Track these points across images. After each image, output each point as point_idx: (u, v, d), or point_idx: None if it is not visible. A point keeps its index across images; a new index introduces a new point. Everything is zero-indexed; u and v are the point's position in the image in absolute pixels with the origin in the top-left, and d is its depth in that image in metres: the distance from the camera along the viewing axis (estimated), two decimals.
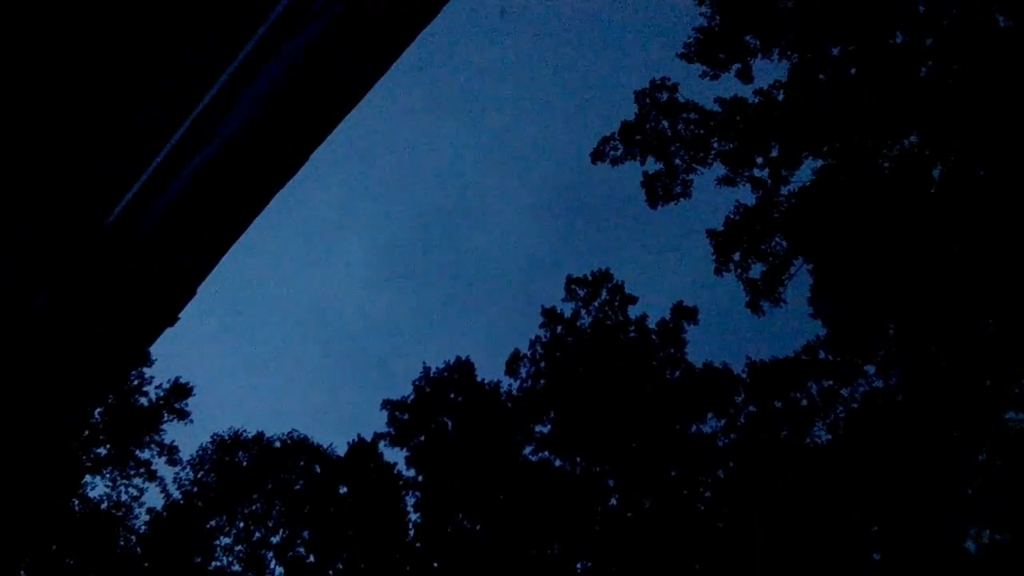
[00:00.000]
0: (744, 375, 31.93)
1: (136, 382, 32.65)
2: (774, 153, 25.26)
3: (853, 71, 22.78)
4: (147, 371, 33.22)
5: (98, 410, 29.66)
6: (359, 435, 37.47)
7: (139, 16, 2.16)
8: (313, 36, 2.40)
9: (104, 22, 2.14)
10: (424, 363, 39.46)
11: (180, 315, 2.57)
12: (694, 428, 33.15)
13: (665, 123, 26.09)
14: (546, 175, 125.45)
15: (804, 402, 30.27)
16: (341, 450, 37.77)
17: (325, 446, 37.71)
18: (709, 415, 32.99)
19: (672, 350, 34.56)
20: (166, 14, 2.19)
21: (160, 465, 34.73)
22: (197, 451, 36.65)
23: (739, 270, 26.72)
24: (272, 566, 35.67)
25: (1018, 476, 23.52)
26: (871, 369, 27.44)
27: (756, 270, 26.75)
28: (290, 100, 2.48)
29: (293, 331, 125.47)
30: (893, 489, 25.16)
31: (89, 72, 2.16)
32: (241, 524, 36.09)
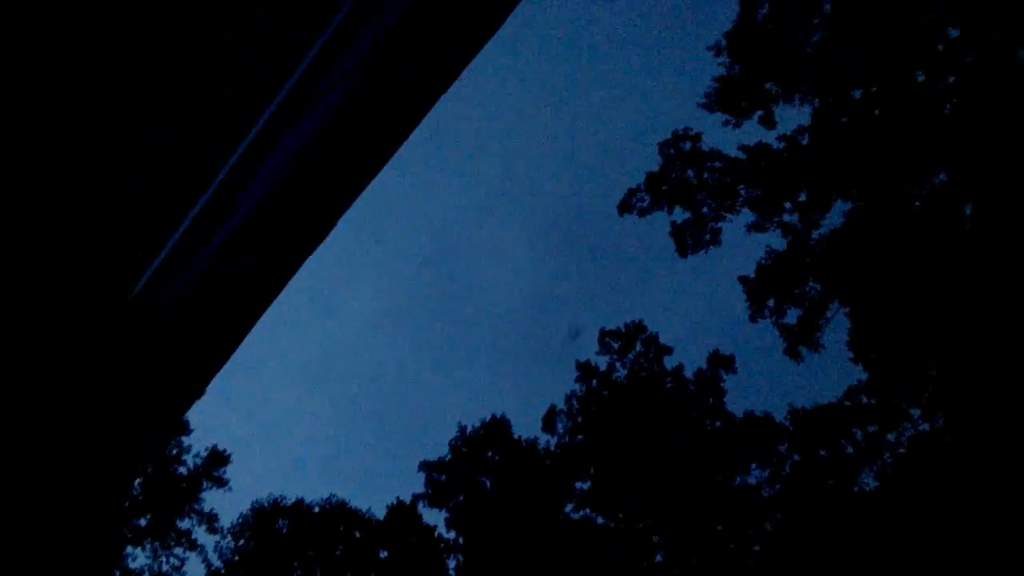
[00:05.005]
0: (787, 423, 31.35)
1: (175, 451, 32.87)
2: (802, 197, 25.19)
3: (876, 112, 22.78)
4: (184, 440, 33.46)
5: (137, 481, 29.84)
6: (398, 497, 37.24)
7: (162, 89, 2.25)
8: (333, 105, 2.47)
9: (132, 100, 2.22)
10: (460, 423, 39.21)
11: (207, 387, 2.60)
12: (738, 480, 32.48)
13: (690, 172, 26.20)
14: (548, 216, 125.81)
15: (850, 449, 29.59)
16: (379, 511, 37.54)
17: (364, 510, 37.51)
18: (753, 466, 32.34)
19: (711, 400, 34.08)
20: (184, 87, 2.27)
21: (200, 534, 34.69)
22: (237, 519, 36.62)
23: (774, 316, 26.46)
24: None
25: None
26: (916, 412, 26.84)
27: (791, 315, 26.48)
28: (312, 170, 2.53)
29: (306, 386, 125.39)
30: (947, 535, 24.35)
31: (115, 143, 2.23)
32: None
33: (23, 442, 2.12)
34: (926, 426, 26.81)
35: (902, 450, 28.01)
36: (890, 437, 28.62)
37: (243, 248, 2.51)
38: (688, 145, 26.21)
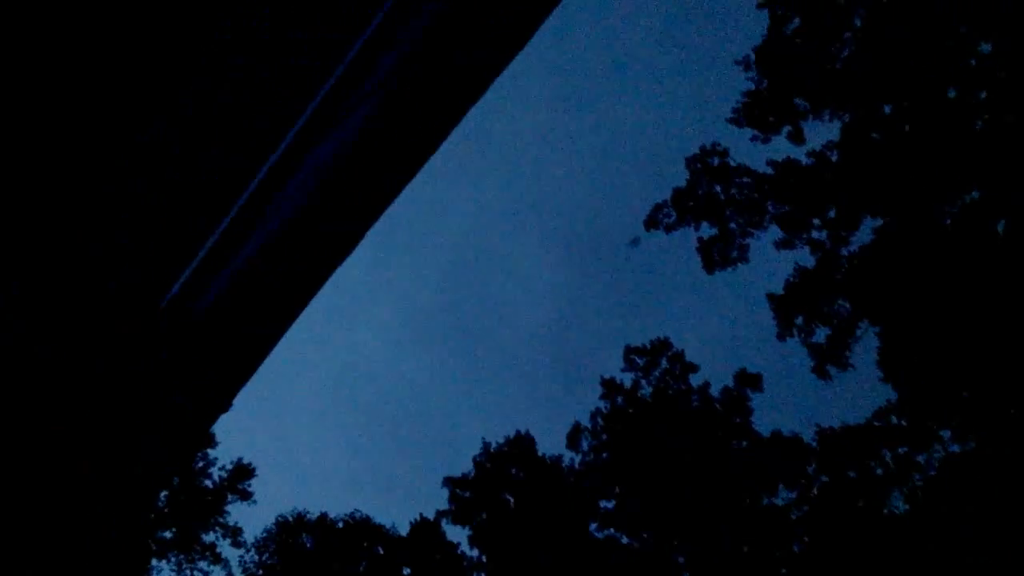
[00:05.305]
0: (814, 443, 30.90)
1: (201, 464, 33.02)
2: (832, 214, 24.92)
3: (907, 128, 22.52)
4: (210, 452, 33.61)
5: (163, 493, 30.01)
6: (421, 513, 37.13)
7: (190, 109, 2.23)
8: (363, 117, 2.43)
9: (158, 116, 2.20)
10: (484, 439, 39.10)
11: (232, 402, 2.57)
12: (766, 501, 32.04)
13: (718, 188, 26.04)
14: (572, 230, 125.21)
15: (879, 470, 29.10)
16: (402, 527, 37.46)
17: (387, 526, 37.44)
18: (780, 486, 31.89)
19: (738, 419, 33.70)
20: (198, 104, 2.25)
21: (225, 547, 34.75)
22: (262, 533, 36.68)
23: (802, 334, 26.15)
24: None
25: None
26: (947, 434, 26.34)
27: (820, 334, 26.15)
28: (340, 185, 2.49)
29: (329, 401, 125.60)
30: (978, 559, 23.84)
31: (147, 168, 2.21)
32: None
33: (22, 440, 2.11)
34: (956, 448, 26.32)
35: (932, 472, 27.50)
36: (920, 459, 28.12)
37: (269, 265, 2.47)
38: (716, 160, 26.07)
